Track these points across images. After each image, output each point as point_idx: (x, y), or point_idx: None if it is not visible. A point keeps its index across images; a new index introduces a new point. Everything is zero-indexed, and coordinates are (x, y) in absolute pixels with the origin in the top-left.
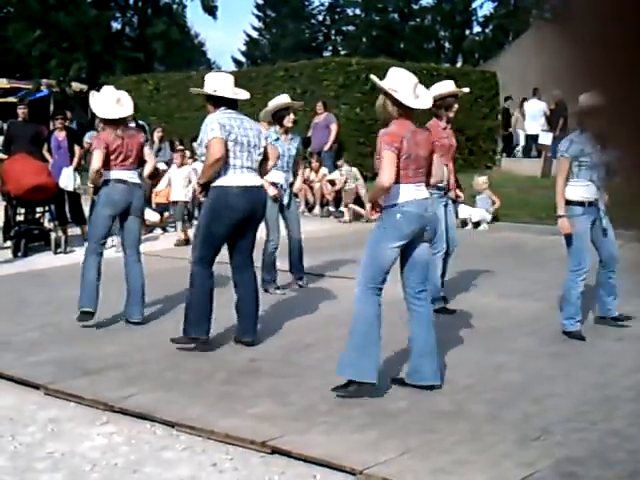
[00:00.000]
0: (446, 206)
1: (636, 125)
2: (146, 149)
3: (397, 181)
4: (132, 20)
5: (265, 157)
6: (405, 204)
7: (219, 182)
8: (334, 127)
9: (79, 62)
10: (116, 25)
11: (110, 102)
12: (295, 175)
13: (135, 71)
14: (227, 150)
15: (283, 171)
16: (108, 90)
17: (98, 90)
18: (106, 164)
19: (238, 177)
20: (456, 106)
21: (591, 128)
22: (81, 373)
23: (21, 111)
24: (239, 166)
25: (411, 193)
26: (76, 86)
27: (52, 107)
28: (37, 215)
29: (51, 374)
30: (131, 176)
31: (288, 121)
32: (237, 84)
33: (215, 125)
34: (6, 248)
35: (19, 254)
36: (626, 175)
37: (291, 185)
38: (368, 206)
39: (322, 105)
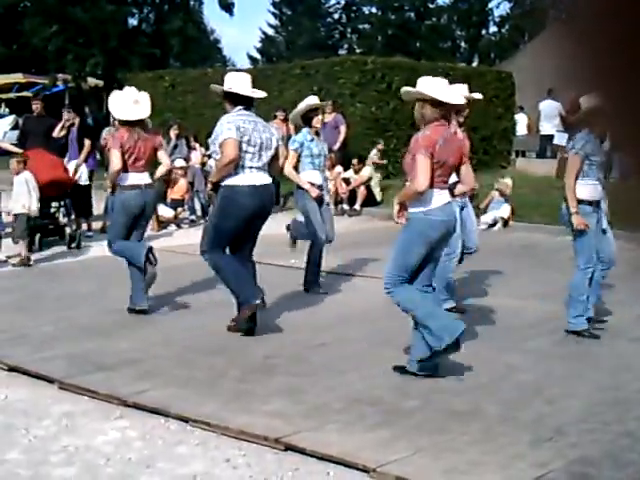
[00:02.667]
0: (462, 209)
1: (636, 124)
2: (161, 152)
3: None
4: (149, 16)
5: (276, 157)
6: (431, 211)
7: (230, 181)
8: (343, 128)
9: (95, 57)
10: (132, 21)
11: (128, 103)
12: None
13: (151, 67)
14: (240, 151)
15: (320, 171)
16: (128, 91)
17: (114, 86)
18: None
19: (247, 176)
20: (467, 111)
21: (594, 127)
22: (95, 368)
23: (35, 106)
24: (248, 167)
25: (437, 199)
26: (91, 81)
27: (67, 102)
28: (52, 210)
29: (65, 368)
30: (143, 178)
31: (317, 122)
32: (253, 82)
33: (232, 126)
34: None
35: (34, 248)
36: (629, 173)
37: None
38: (396, 208)
39: (331, 105)
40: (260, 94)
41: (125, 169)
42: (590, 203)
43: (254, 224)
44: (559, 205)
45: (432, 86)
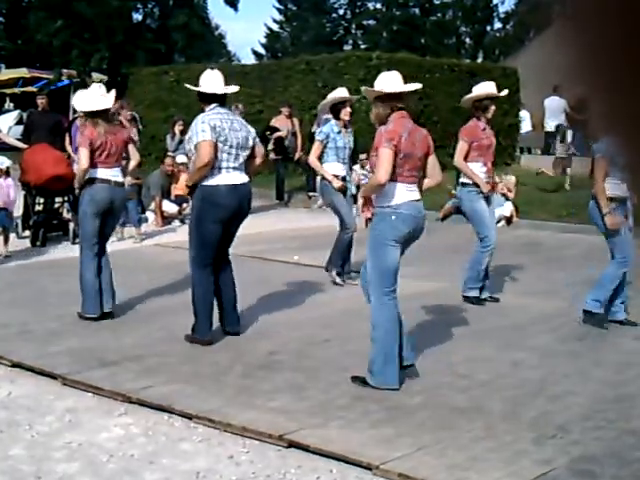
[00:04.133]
0: (487, 202)
1: (635, 122)
2: (130, 146)
3: (393, 180)
4: (153, 11)
5: (252, 156)
6: (400, 206)
7: (207, 182)
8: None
9: (100, 52)
10: (137, 16)
11: (93, 96)
12: (351, 168)
13: (155, 62)
14: (216, 151)
15: (343, 163)
16: (94, 87)
17: (118, 81)
18: (90, 161)
19: (224, 176)
20: (493, 108)
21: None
22: (99, 364)
23: (40, 101)
24: (225, 167)
25: (406, 194)
26: (96, 76)
27: (72, 97)
28: (56, 205)
29: (69, 364)
30: (114, 174)
31: (344, 114)
32: (258, 77)
33: (206, 127)
34: (25, 238)
35: (38, 244)
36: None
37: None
38: (360, 202)
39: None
40: (232, 89)
41: (94, 165)
42: (615, 200)
43: (232, 224)
44: (564, 202)
45: (378, 82)
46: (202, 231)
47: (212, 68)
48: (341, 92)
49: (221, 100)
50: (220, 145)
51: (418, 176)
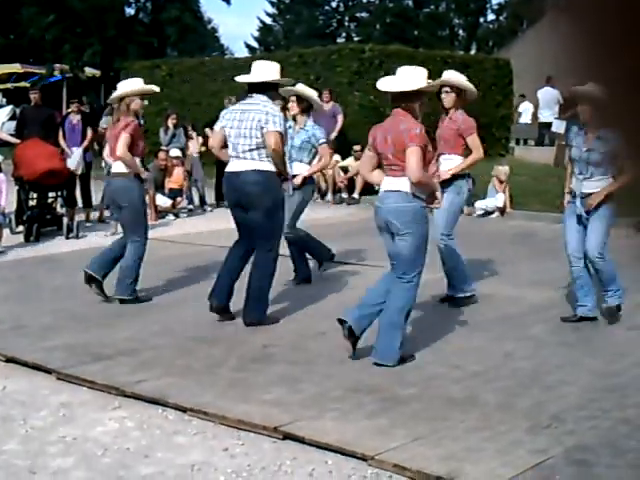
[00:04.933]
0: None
1: (634, 115)
2: None
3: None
4: (146, 5)
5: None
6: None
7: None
8: (341, 118)
9: (93, 47)
10: (129, 10)
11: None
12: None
13: (148, 56)
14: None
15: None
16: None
17: (111, 75)
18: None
19: (229, 165)
20: (443, 97)
21: (589, 117)
22: (93, 358)
23: (33, 96)
24: (233, 156)
25: (382, 185)
26: (89, 71)
27: (65, 92)
28: (49, 200)
29: (63, 359)
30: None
31: (292, 108)
32: (251, 70)
33: (221, 116)
34: (19, 233)
35: (31, 239)
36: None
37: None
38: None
39: (329, 93)
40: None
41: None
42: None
43: (239, 210)
44: (558, 193)
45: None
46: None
47: (203, 62)
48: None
49: (253, 90)
50: (226, 132)
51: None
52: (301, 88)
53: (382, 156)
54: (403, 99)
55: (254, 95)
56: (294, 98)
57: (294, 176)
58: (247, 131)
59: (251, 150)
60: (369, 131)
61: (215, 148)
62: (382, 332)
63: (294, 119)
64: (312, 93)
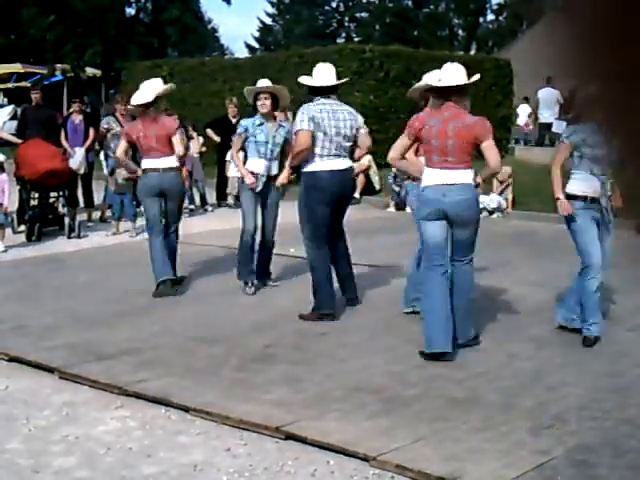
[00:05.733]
0: None
1: (634, 113)
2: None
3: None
4: (146, 5)
5: (356, 144)
6: (424, 188)
7: (309, 168)
8: None
9: (94, 47)
10: (130, 10)
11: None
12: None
13: (148, 56)
14: (315, 139)
15: (265, 159)
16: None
17: (112, 75)
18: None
19: (325, 162)
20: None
21: (592, 117)
22: (95, 357)
23: (34, 96)
24: (326, 154)
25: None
26: (90, 71)
27: (66, 92)
28: (51, 200)
29: (66, 358)
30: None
31: (260, 106)
32: (251, 70)
33: (305, 117)
34: (20, 232)
35: (33, 238)
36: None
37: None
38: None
39: None
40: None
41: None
42: (583, 199)
43: (337, 206)
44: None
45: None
46: (309, 210)
47: (203, 62)
48: (261, 83)
49: (328, 92)
50: (320, 134)
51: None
52: (271, 85)
53: (433, 146)
54: (457, 92)
55: (331, 96)
56: (267, 96)
57: (276, 176)
58: (347, 130)
59: (347, 149)
60: (371, 130)
61: (309, 149)
62: (462, 315)
63: (265, 117)
64: (280, 89)
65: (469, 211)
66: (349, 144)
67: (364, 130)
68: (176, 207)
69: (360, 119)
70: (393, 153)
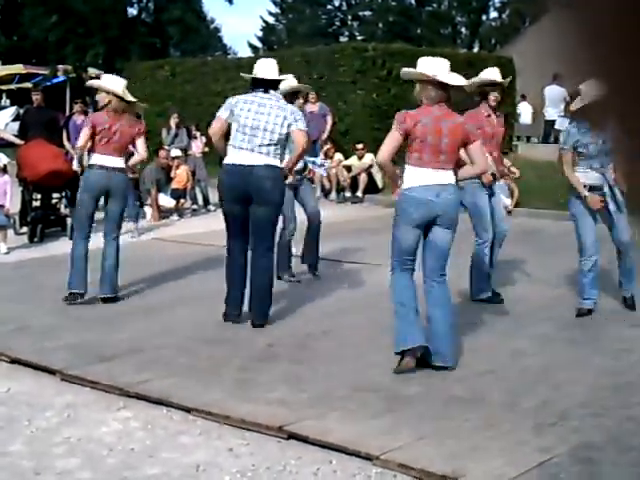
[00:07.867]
0: (491, 196)
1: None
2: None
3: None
4: (148, 5)
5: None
6: (411, 189)
7: (225, 159)
8: (330, 119)
9: (95, 48)
10: (132, 10)
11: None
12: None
13: (151, 57)
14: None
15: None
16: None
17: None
18: None
19: (231, 156)
20: (494, 95)
21: (592, 117)
22: (97, 358)
23: (35, 97)
24: (238, 147)
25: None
26: (92, 72)
27: (68, 93)
28: (53, 201)
29: (67, 359)
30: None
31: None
32: (253, 69)
33: (226, 105)
34: (23, 234)
35: (35, 239)
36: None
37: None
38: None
39: (315, 94)
40: (273, 75)
41: None
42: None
43: (244, 205)
44: (563, 190)
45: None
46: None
47: (205, 62)
48: (294, 82)
49: (267, 86)
50: (234, 125)
51: (444, 162)
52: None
53: (427, 145)
54: (448, 93)
55: (270, 91)
56: None
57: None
58: (268, 125)
59: (268, 145)
60: (371, 130)
61: (217, 135)
62: (445, 336)
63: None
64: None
65: (456, 211)
66: (272, 141)
67: (296, 128)
68: (119, 210)
69: (296, 116)
70: (386, 154)
